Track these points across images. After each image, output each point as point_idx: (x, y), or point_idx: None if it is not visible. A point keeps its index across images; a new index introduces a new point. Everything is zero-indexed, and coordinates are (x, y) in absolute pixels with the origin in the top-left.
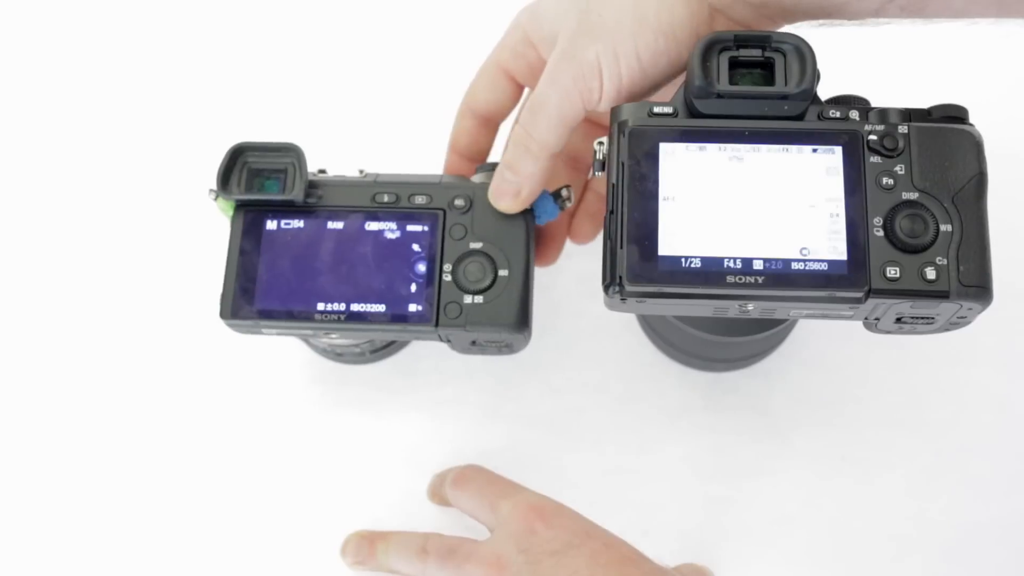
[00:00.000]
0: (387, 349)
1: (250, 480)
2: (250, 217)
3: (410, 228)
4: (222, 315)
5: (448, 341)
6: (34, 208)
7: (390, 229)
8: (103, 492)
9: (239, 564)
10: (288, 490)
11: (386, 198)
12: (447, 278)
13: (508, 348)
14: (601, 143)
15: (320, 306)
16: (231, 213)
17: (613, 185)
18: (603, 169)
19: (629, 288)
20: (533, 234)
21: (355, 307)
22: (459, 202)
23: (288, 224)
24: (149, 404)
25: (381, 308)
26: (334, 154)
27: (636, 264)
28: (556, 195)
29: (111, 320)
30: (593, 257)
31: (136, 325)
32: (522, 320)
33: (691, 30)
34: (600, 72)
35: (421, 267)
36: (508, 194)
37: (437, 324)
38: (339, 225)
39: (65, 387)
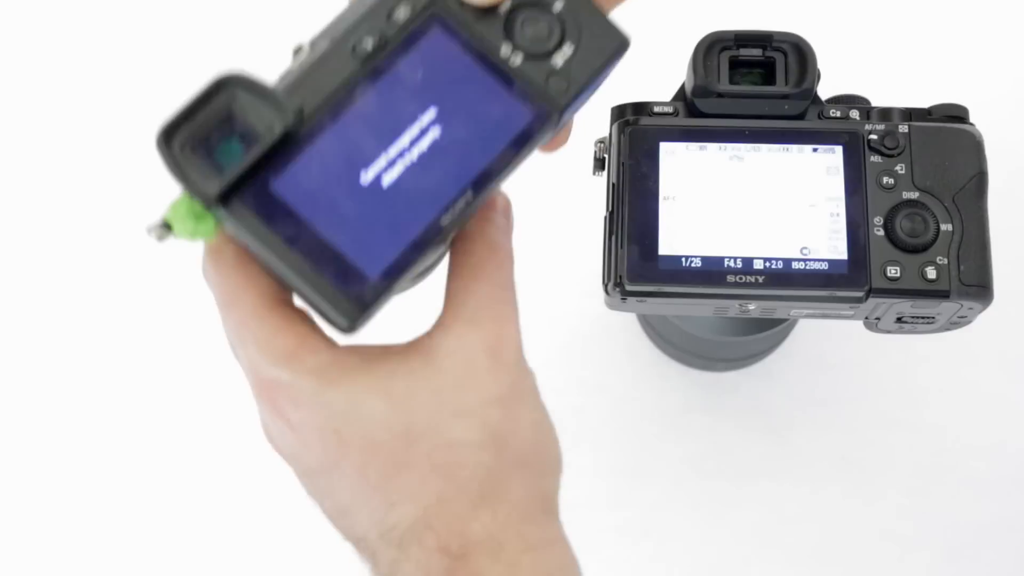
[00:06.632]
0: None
1: (251, 482)
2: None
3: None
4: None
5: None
6: (35, 215)
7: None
8: (108, 493)
9: (241, 565)
10: (288, 492)
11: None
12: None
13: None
14: (601, 142)
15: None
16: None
17: (613, 185)
18: (603, 169)
19: (629, 287)
20: None
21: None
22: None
23: None
24: (149, 407)
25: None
26: None
27: (636, 264)
28: None
29: (109, 322)
30: (593, 257)
31: (135, 329)
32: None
33: None
34: None
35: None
36: None
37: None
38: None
39: (68, 387)
